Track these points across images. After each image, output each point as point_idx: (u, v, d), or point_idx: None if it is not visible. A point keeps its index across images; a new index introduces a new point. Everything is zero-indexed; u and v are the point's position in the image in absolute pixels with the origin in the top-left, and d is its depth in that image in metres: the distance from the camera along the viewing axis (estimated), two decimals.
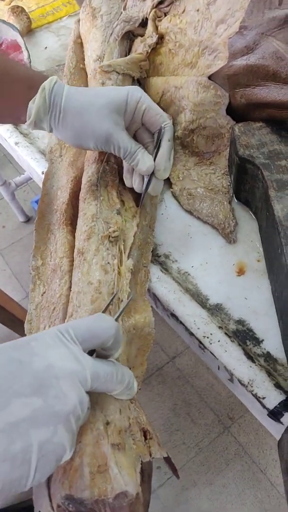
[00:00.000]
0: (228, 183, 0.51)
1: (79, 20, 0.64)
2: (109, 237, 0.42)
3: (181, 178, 0.53)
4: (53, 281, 0.44)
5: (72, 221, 0.47)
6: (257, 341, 0.41)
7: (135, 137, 0.47)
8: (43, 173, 0.55)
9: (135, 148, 0.43)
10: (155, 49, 0.57)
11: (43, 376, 0.26)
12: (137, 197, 0.48)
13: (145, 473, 0.31)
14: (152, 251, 0.48)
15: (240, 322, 0.43)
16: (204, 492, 1.03)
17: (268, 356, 0.40)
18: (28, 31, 0.79)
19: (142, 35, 0.59)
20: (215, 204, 0.50)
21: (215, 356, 0.41)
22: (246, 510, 1.01)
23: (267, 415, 0.38)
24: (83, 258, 0.41)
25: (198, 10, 0.51)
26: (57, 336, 0.29)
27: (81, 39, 0.62)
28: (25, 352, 0.27)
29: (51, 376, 0.26)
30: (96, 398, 0.32)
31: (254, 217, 0.50)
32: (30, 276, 0.46)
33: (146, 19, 0.59)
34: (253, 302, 0.44)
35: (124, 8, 0.61)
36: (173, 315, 0.45)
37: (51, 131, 0.44)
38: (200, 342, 0.42)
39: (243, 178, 0.48)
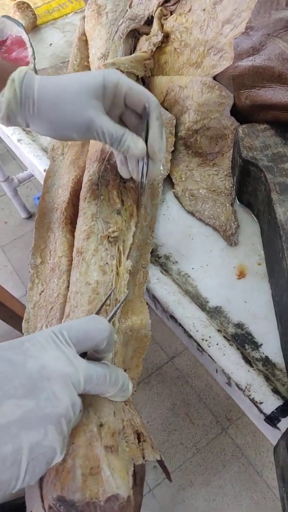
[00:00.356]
0: (231, 185, 0.51)
1: (84, 17, 0.63)
2: (108, 237, 0.41)
3: (183, 179, 0.52)
4: (52, 280, 0.43)
5: (72, 220, 0.47)
6: (256, 345, 0.41)
7: (122, 122, 0.44)
8: (45, 171, 0.55)
9: (121, 132, 0.40)
10: (160, 47, 0.56)
11: (35, 378, 0.26)
12: (139, 197, 0.48)
13: (138, 476, 0.31)
14: (152, 252, 0.47)
15: (239, 325, 0.42)
16: (200, 492, 1.03)
17: (266, 361, 0.40)
18: (34, 27, 0.78)
19: (147, 34, 0.58)
20: (217, 206, 0.49)
21: (213, 359, 0.41)
22: None
23: (264, 420, 0.38)
24: (81, 258, 0.40)
25: (204, 10, 0.51)
26: (51, 338, 0.28)
27: (86, 37, 0.62)
28: (18, 353, 0.27)
29: (43, 378, 0.26)
30: (90, 400, 0.32)
31: (256, 219, 0.49)
32: (29, 274, 0.46)
33: (152, 17, 0.58)
34: (253, 306, 0.43)
35: (130, 6, 0.60)
36: (172, 317, 0.45)
37: (27, 125, 0.42)
38: (199, 345, 0.42)
39: (246, 180, 0.47)
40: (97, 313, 0.36)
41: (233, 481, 1.04)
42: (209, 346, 0.41)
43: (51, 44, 0.75)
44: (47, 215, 0.49)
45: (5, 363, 0.26)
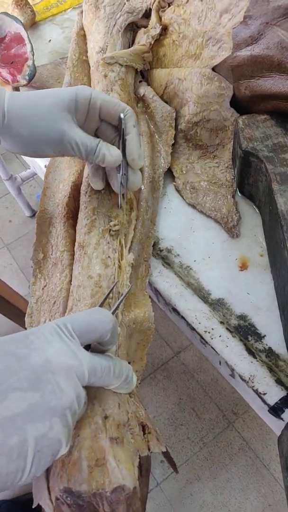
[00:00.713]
0: (232, 177, 0.51)
1: (82, 12, 0.63)
2: (109, 231, 0.41)
3: (184, 172, 0.52)
4: (54, 274, 0.43)
5: (73, 214, 0.47)
6: (259, 337, 0.41)
7: (97, 136, 0.43)
8: (45, 167, 0.55)
9: (95, 143, 0.40)
10: (158, 40, 0.56)
11: (40, 371, 0.26)
12: (137, 191, 0.48)
13: (143, 468, 0.31)
14: (154, 245, 0.47)
15: (242, 317, 0.42)
16: (207, 486, 1.04)
17: (269, 352, 0.40)
18: (32, 24, 0.78)
19: (145, 26, 0.58)
20: (218, 198, 0.49)
21: (216, 351, 0.41)
22: (249, 505, 1.01)
23: (268, 411, 0.38)
24: (83, 252, 0.40)
25: (202, 0, 0.50)
26: (55, 330, 0.28)
27: (84, 31, 0.62)
28: (23, 347, 0.27)
29: (48, 371, 0.26)
30: (95, 392, 0.32)
31: (257, 211, 0.49)
32: (31, 270, 0.46)
33: (150, 9, 0.58)
34: (255, 297, 0.43)
35: None
36: (174, 310, 0.45)
37: None
38: (201, 337, 0.42)
39: (246, 171, 0.47)
40: (100, 306, 0.36)
41: (240, 474, 1.05)
42: (212, 338, 0.41)
43: (50, 40, 0.75)
44: (49, 210, 0.49)
45: (10, 356, 0.26)
